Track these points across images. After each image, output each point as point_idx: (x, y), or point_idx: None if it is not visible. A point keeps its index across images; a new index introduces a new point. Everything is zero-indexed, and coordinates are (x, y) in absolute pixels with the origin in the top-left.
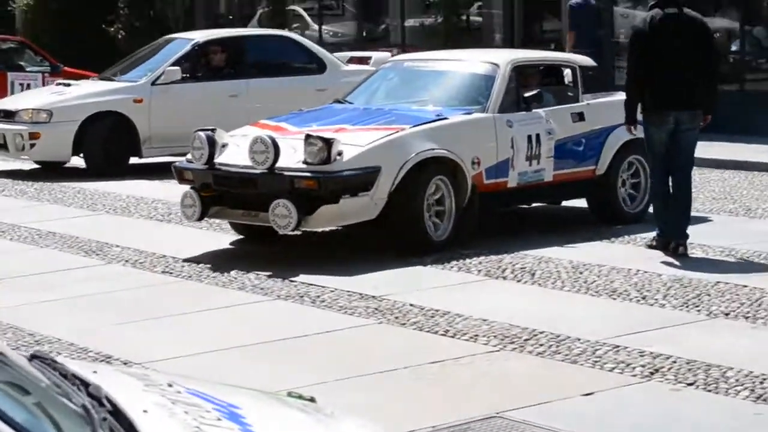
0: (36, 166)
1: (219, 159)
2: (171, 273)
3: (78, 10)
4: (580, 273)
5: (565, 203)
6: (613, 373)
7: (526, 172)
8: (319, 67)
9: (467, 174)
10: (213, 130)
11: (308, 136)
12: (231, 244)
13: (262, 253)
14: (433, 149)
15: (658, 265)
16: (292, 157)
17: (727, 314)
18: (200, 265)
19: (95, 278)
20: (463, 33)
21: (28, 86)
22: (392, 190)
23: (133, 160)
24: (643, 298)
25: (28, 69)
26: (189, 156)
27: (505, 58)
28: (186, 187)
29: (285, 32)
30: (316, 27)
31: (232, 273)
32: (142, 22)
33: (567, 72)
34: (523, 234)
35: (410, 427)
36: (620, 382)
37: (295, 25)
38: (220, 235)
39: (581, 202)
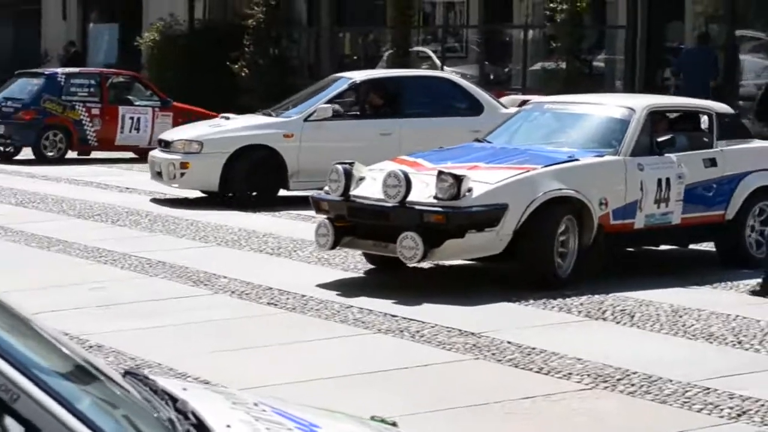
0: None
1: (355, 191)
2: (276, 305)
3: (204, 47)
4: (680, 317)
5: (692, 246)
6: (701, 414)
7: (654, 214)
8: (476, 109)
9: (594, 214)
10: (351, 164)
11: (440, 173)
12: (339, 277)
13: (367, 286)
14: (561, 189)
15: (758, 312)
16: (424, 192)
17: None
18: (305, 298)
19: (200, 308)
20: (584, 78)
21: (138, 120)
22: (518, 227)
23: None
24: (739, 342)
25: (137, 103)
26: (326, 188)
27: (641, 103)
28: (322, 217)
29: (444, 74)
30: (446, 69)
31: (335, 306)
32: (265, 61)
33: (704, 118)
34: (635, 275)
35: None
36: (707, 423)
37: (424, 66)
38: (327, 270)
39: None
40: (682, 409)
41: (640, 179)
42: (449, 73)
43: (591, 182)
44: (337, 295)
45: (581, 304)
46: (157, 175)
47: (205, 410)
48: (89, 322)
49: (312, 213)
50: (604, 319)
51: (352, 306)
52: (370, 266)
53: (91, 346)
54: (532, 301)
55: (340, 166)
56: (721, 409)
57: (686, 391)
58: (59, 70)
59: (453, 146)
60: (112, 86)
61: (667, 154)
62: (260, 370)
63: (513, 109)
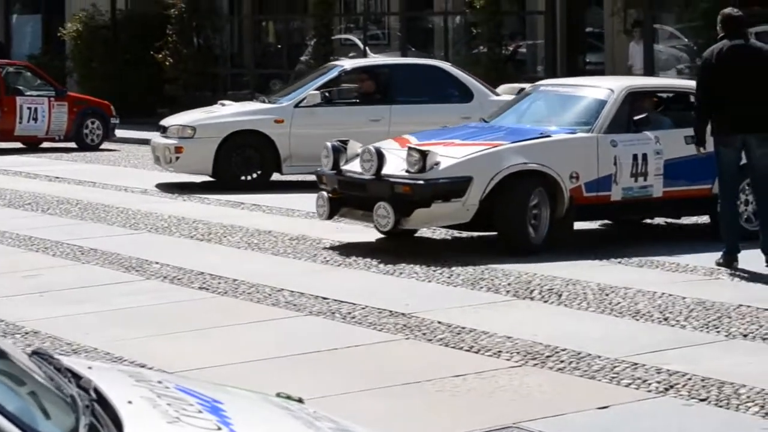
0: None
1: (346, 166)
2: (208, 289)
3: (127, 37)
4: (606, 295)
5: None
6: (629, 388)
7: (632, 187)
8: (466, 95)
9: (564, 187)
10: (345, 142)
11: (409, 148)
12: (270, 262)
13: (298, 269)
14: (526, 163)
15: (683, 289)
16: (399, 166)
17: (745, 335)
18: (236, 282)
19: (134, 293)
20: (506, 63)
21: (36, 110)
22: (483, 198)
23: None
24: (665, 319)
25: (32, 93)
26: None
27: (622, 84)
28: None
29: (435, 62)
30: (373, 56)
31: (266, 290)
32: (189, 50)
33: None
34: (562, 254)
35: None
36: (635, 397)
37: (351, 54)
38: (257, 254)
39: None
40: (610, 384)
41: (614, 154)
42: (440, 61)
43: (560, 157)
44: (269, 278)
45: (509, 284)
46: (157, 159)
47: (108, 387)
48: (24, 309)
49: (241, 200)
50: (532, 299)
51: (283, 289)
52: (299, 250)
53: (26, 333)
54: (461, 282)
55: (329, 143)
56: (649, 384)
57: (614, 367)
58: None
59: (453, 126)
60: (7, 76)
61: (645, 132)
62: (194, 353)
63: (506, 97)
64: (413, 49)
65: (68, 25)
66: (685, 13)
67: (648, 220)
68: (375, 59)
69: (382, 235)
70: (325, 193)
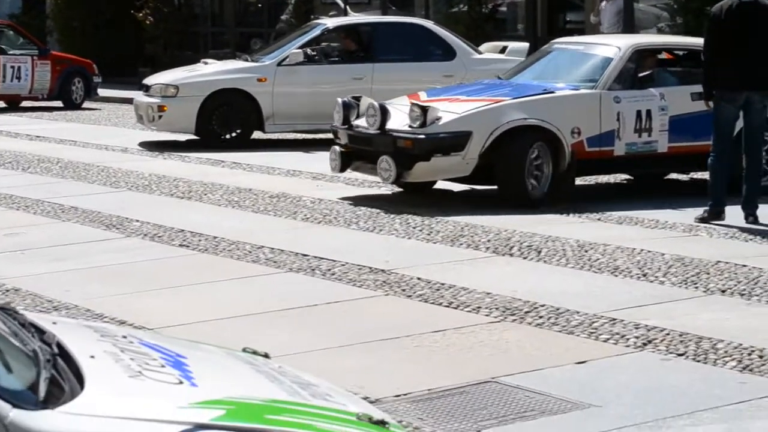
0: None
1: (357, 121)
2: (188, 246)
3: None
4: (585, 251)
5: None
6: (607, 343)
7: (636, 143)
8: (449, 54)
9: (564, 142)
10: (357, 98)
11: (412, 104)
12: (250, 219)
13: (279, 227)
14: (526, 119)
15: (662, 245)
16: (404, 121)
17: (723, 291)
18: (217, 239)
19: (114, 250)
20: (487, 22)
21: (19, 69)
22: (482, 152)
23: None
24: (644, 275)
25: (14, 52)
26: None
27: (629, 42)
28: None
29: (417, 20)
30: (354, 15)
31: (247, 247)
32: (169, 9)
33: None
34: (541, 213)
35: (406, 390)
36: (613, 352)
37: (331, 13)
38: (238, 212)
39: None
40: (588, 339)
41: (617, 110)
42: (422, 19)
43: (561, 113)
44: (249, 236)
45: (488, 240)
46: (140, 118)
47: (71, 342)
48: (5, 266)
49: (221, 158)
50: (511, 255)
51: (263, 246)
52: (279, 208)
53: (7, 290)
54: (440, 239)
55: (340, 99)
56: (627, 339)
57: (593, 322)
58: None
59: (468, 83)
60: None
61: (650, 89)
62: (174, 310)
63: (490, 55)
64: (393, 8)
65: None
66: None
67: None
68: (358, 17)
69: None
70: (337, 147)
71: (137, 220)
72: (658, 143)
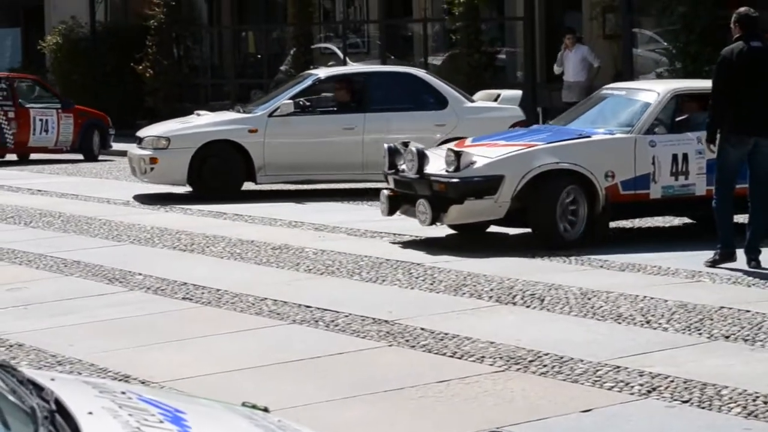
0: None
1: (403, 166)
2: (191, 299)
3: (107, 49)
4: (588, 299)
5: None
6: (612, 391)
7: (672, 186)
8: (440, 103)
9: (597, 185)
10: (406, 143)
11: (447, 149)
12: (252, 271)
13: (282, 280)
14: (558, 162)
15: (665, 292)
16: (441, 165)
17: (727, 337)
18: (219, 292)
19: (117, 304)
20: (486, 70)
21: (47, 122)
22: (515, 195)
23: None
24: (647, 322)
25: (42, 105)
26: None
27: (667, 87)
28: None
29: (410, 69)
30: (353, 65)
31: (250, 299)
32: (169, 61)
33: None
34: (543, 260)
35: None
36: (618, 400)
37: (330, 63)
38: (240, 264)
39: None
40: (593, 387)
41: (652, 154)
42: (415, 68)
43: (594, 157)
44: (252, 288)
45: (491, 289)
46: (133, 170)
47: (70, 398)
48: (8, 321)
49: (223, 210)
50: (515, 304)
51: (266, 298)
52: (282, 259)
53: (11, 345)
54: (443, 289)
55: (386, 145)
56: (632, 387)
57: (597, 370)
58: None
59: (516, 129)
60: (17, 89)
61: (686, 133)
62: (178, 364)
63: (483, 103)
64: (392, 57)
65: (48, 38)
66: (663, 17)
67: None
68: (350, 68)
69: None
70: (385, 192)
71: (140, 274)
72: (696, 186)
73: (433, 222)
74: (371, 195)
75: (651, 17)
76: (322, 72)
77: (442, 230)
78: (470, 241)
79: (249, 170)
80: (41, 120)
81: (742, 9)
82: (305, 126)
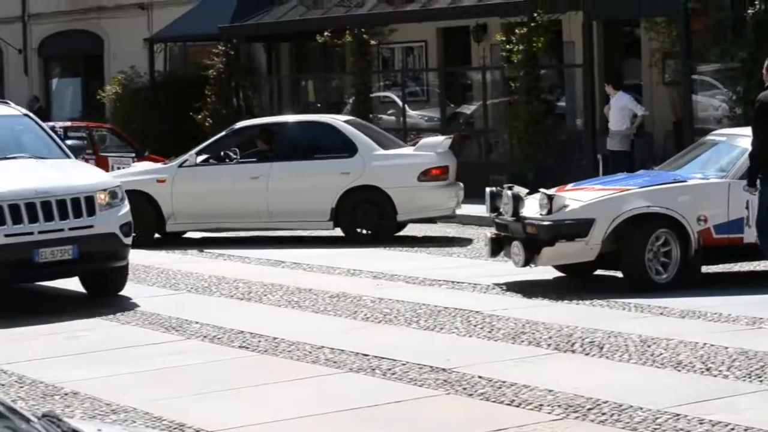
0: None
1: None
2: (248, 348)
3: (166, 98)
4: (648, 346)
5: None
6: None
7: None
8: (350, 150)
9: (689, 229)
10: (510, 187)
11: (541, 192)
12: (310, 320)
13: (339, 328)
14: (649, 206)
15: (725, 338)
16: (536, 208)
17: None
18: (276, 340)
19: (173, 353)
20: (546, 117)
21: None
22: (605, 238)
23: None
24: (708, 369)
25: (116, 154)
26: None
27: None
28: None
29: (325, 117)
30: (411, 112)
31: (307, 347)
32: (228, 110)
33: None
34: (601, 309)
35: None
36: None
37: (389, 111)
38: (298, 313)
39: None
40: None
41: (746, 199)
42: (331, 117)
43: (686, 201)
44: (309, 336)
45: (550, 337)
46: None
47: None
48: (65, 370)
49: (280, 258)
50: (573, 351)
51: (323, 347)
52: (339, 308)
53: (66, 394)
54: (501, 336)
55: (487, 189)
56: None
57: (656, 418)
58: (56, 123)
59: (623, 174)
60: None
61: None
62: (234, 413)
63: (396, 150)
64: (452, 105)
65: (107, 87)
66: (723, 62)
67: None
68: (266, 118)
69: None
70: (488, 234)
71: (197, 322)
72: None
73: (526, 264)
74: (429, 242)
75: (711, 63)
76: (241, 123)
77: (549, 273)
78: (553, 284)
79: (159, 218)
80: (118, 167)
81: None
82: (213, 175)
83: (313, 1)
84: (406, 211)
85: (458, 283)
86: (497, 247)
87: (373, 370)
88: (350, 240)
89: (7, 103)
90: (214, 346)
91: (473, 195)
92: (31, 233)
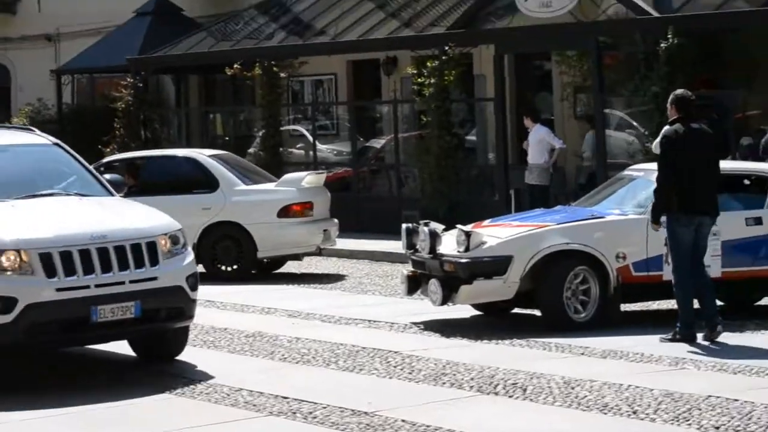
0: None
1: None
2: (163, 390)
3: (74, 131)
4: (572, 388)
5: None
6: None
7: None
8: (211, 186)
9: (608, 266)
10: (426, 223)
11: (458, 229)
12: (225, 360)
13: (255, 367)
14: (568, 243)
15: (650, 380)
16: (453, 245)
17: (717, 428)
18: (193, 381)
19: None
20: (457, 151)
21: None
22: (524, 275)
23: None
24: (634, 412)
25: None
26: None
27: None
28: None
29: (189, 152)
30: (321, 146)
31: (225, 389)
32: (137, 143)
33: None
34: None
35: None
36: None
37: (299, 145)
38: (214, 352)
39: None
40: None
41: (665, 236)
42: (196, 152)
43: (604, 238)
44: (226, 377)
45: (472, 378)
46: None
47: None
48: None
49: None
50: (497, 393)
51: (242, 389)
52: (254, 347)
53: None
54: (423, 378)
55: (403, 225)
56: None
57: None
58: None
59: (540, 210)
60: None
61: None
62: None
63: (258, 186)
64: (361, 139)
65: (14, 119)
66: (635, 97)
67: None
68: (134, 152)
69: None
70: (404, 271)
71: None
72: (711, 268)
73: (444, 302)
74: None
75: (622, 98)
76: (108, 158)
77: (467, 311)
78: (471, 323)
79: None
80: None
81: (678, 91)
82: None
83: (222, 33)
84: (266, 248)
85: (375, 321)
86: (414, 284)
87: (294, 413)
88: (212, 277)
89: (32, 130)
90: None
91: (385, 231)
92: (87, 287)
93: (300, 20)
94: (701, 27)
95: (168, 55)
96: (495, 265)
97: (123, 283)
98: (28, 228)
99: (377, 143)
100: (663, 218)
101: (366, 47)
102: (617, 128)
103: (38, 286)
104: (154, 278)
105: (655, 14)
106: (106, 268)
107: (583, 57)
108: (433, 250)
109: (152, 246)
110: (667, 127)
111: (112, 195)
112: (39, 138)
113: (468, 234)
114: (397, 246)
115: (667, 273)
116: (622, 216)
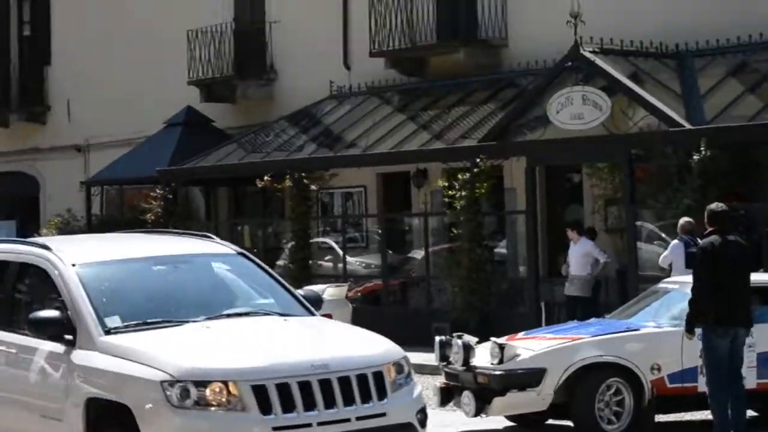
0: None
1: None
2: None
3: None
4: None
5: None
6: None
7: None
8: None
9: (643, 378)
10: (460, 336)
11: (492, 342)
12: None
13: None
14: (601, 356)
15: None
16: (487, 357)
17: None
18: None
19: None
20: (488, 264)
21: None
22: (557, 388)
23: None
24: None
25: None
26: None
27: None
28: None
29: None
30: (350, 259)
31: None
32: None
33: None
34: None
35: None
36: None
37: (327, 257)
38: None
39: None
40: None
41: (700, 347)
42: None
43: (639, 350)
44: None
45: None
46: None
47: None
48: None
49: None
50: None
51: None
52: None
53: None
54: None
55: (437, 338)
56: None
57: None
58: None
59: (574, 322)
60: None
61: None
62: None
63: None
64: (391, 252)
65: (43, 231)
66: (667, 210)
67: None
68: None
69: None
70: (437, 384)
71: None
72: (746, 380)
73: (477, 413)
74: None
75: (654, 210)
76: None
77: (500, 422)
78: None
79: None
80: None
81: (712, 205)
82: None
83: (252, 145)
84: None
85: None
86: (446, 396)
87: None
88: None
89: (211, 237)
90: None
91: (416, 343)
92: (309, 425)
93: (330, 132)
94: (734, 139)
95: (198, 166)
96: (529, 377)
97: (349, 420)
98: (234, 355)
99: (418, 254)
100: (698, 330)
101: (397, 159)
102: (647, 240)
103: (251, 425)
104: (383, 414)
105: (688, 126)
106: (330, 403)
107: (614, 169)
108: (466, 362)
109: (379, 376)
110: (703, 240)
111: (312, 314)
112: (221, 247)
113: (502, 346)
114: (427, 358)
115: (702, 384)
116: (657, 328)
